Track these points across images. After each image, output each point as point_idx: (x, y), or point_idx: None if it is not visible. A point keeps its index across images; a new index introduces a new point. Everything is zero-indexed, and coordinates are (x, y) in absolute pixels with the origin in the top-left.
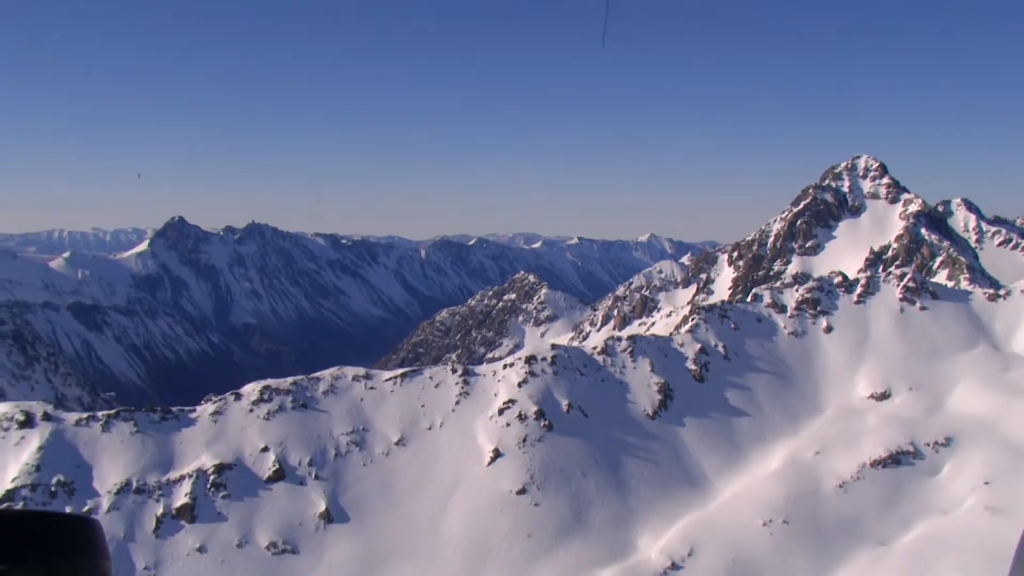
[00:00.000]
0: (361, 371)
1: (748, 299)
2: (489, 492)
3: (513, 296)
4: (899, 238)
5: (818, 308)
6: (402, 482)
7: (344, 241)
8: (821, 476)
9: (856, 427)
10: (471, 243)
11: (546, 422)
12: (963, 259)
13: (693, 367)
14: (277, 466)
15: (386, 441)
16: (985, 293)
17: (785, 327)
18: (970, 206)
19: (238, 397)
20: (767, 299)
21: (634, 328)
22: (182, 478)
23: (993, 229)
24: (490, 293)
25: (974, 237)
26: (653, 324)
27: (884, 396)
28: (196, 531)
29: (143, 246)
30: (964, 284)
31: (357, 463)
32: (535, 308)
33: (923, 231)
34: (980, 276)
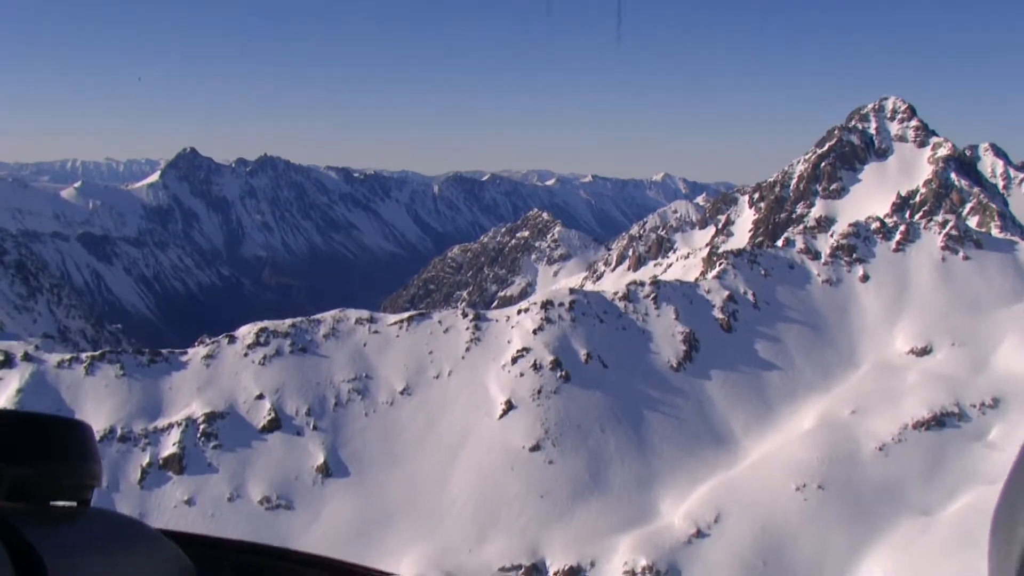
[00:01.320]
0: (365, 314)
1: (780, 243)
2: (500, 448)
3: (526, 234)
4: (927, 183)
5: (854, 256)
6: (406, 435)
7: (357, 175)
8: (859, 437)
9: (895, 385)
10: (484, 179)
11: (562, 373)
12: (994, 206)
13: (720, 316)
14: (272, 415)
15: (390, 390)
16: None
17: (819, 275)
18: (998, 151)
19: (232, 340)
20: (800, 244)
21: (649, 269)
22: (170, 426)
23: (1022, 175)
24: (503, 230)
25: (1001, 183)
26: (670, 266)
27: (925, 351)
28: (184, 483)
29: (154, 177)
30: (995, 232)
31: (358, 413)
32: (548, 246)
33: (953, 176)
34: (1011, 224)
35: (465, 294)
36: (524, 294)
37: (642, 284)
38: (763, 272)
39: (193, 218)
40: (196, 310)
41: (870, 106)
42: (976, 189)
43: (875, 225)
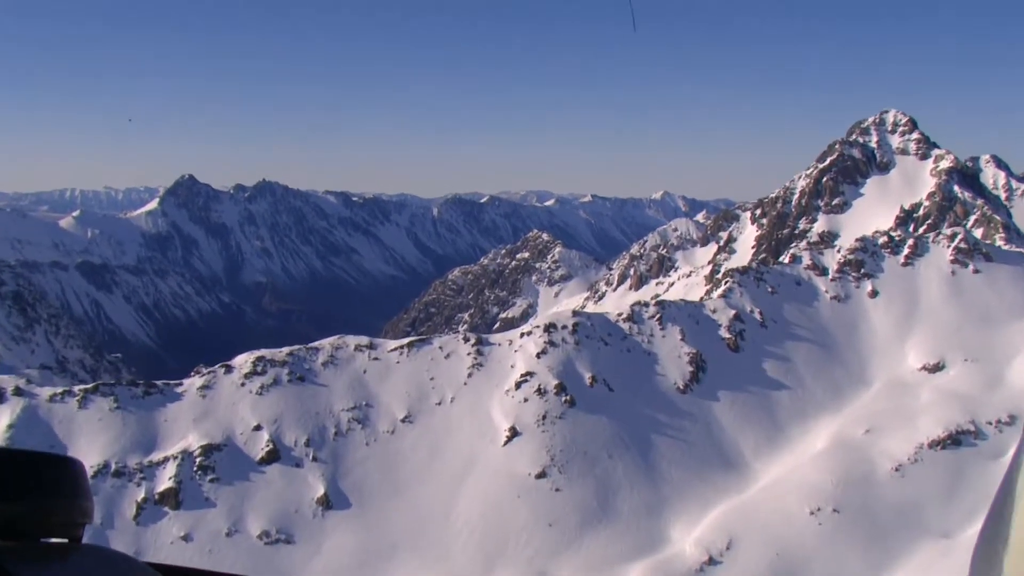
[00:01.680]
0: (364, 340)
1: (786, 260)
2: (505, 476)
3: (527, 255)
4: (931, 196)
5: (862, 271)
6: (408, 464)
7: (356, 199)
8: (874, 458)
9: (909, 403)
10: (483, 201)
11: (567, 397)
12: (998, 218)
13: (727, 335)
14: (271, 446)
15: (391, 418)
16: None
17: (827, 291)
18: (999, 163)
19: (229, 370)
20: (806, 260)
21: (651, 288)
22: (166, 460)
23: (1023, 187)
24: (503, 252)
25: (1004, 195)
26: (672, 284)
27: (937, 368)
28: (181, 518)
29: (153, 204)
30: (1000, 244)
31: (359, 443)
32: (549, 267)
33: (956, 188)
34: (1016, 236)
35: (467, 316)
36: (526, 315)
37: (647, 305)
38: (770, 289)
39: (192, 245)
40: (197, 338)
41: (871, 119)
42: (980, 201)
43: (883, 240)
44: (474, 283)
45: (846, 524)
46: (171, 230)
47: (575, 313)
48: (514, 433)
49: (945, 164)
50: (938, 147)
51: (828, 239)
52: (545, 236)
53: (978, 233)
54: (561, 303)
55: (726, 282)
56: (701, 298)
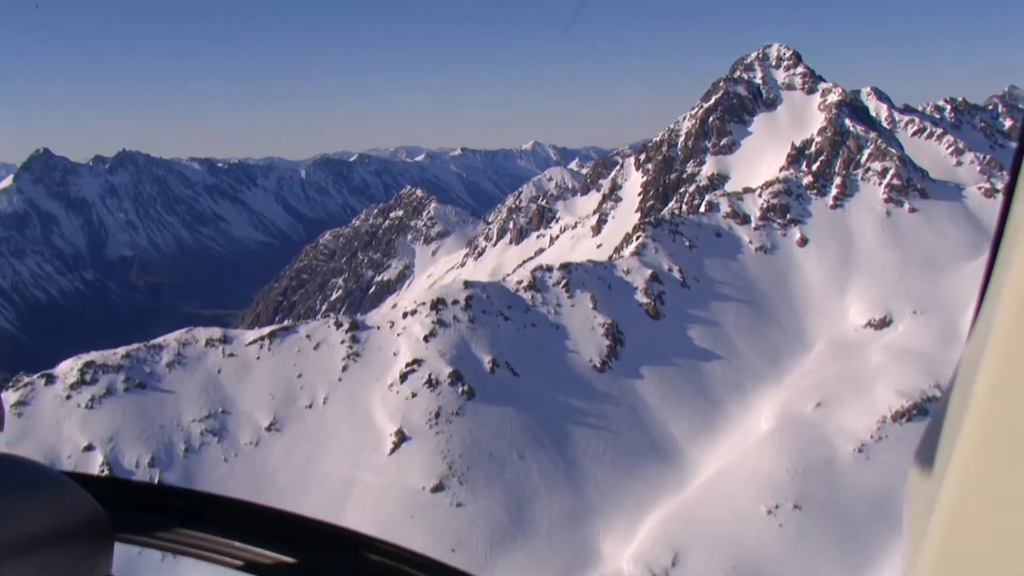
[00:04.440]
0: (216, 333)
1: (703, 208)
2: (395, 491)
3: (400, 213)
4: (822, 131)
5: (788, 216)
6: (279, 481)
7: (221, 165)
8: (831, 438)
9: (859, 366)
10: (352, 159)
11: (465, 387)
12: (893, 150)
13: (645, 300)
14: (106, 469)
15: (254, 427)
16: (980, 188)
17: (751, 241)
18: (880, 95)
19: (50, 380)
20: (725, 207)
21: (533, 242)
22: None
23: (906, 118)
24: (375, 211)
25: (887, 128)
26: (557, 238)
27: (885, 323)
28: None
29: (7, 182)
30: (875, 178)
31: (216, 459)
32: (424, 225)
33: (847, 122)
34: (912, 168)
35: (340, 282)
36: (403, 277)
37: (550, 269)
38: (687, 243)
39: (52, 222)
40: (61, 319)
41: (753, 55)
42: (873, 134)
43: (807, 179)
44: (346, 246)
45: (811, 522)
46: (28, 208)
47: (467, 284)
48: (402, 437)
49: (833, 97)
50: (824, 80)
51: (718, 181)
52: (419, 192)
53: (876, 168)
54: (439, 262)
55: (638, 237)
56: (611, 257)
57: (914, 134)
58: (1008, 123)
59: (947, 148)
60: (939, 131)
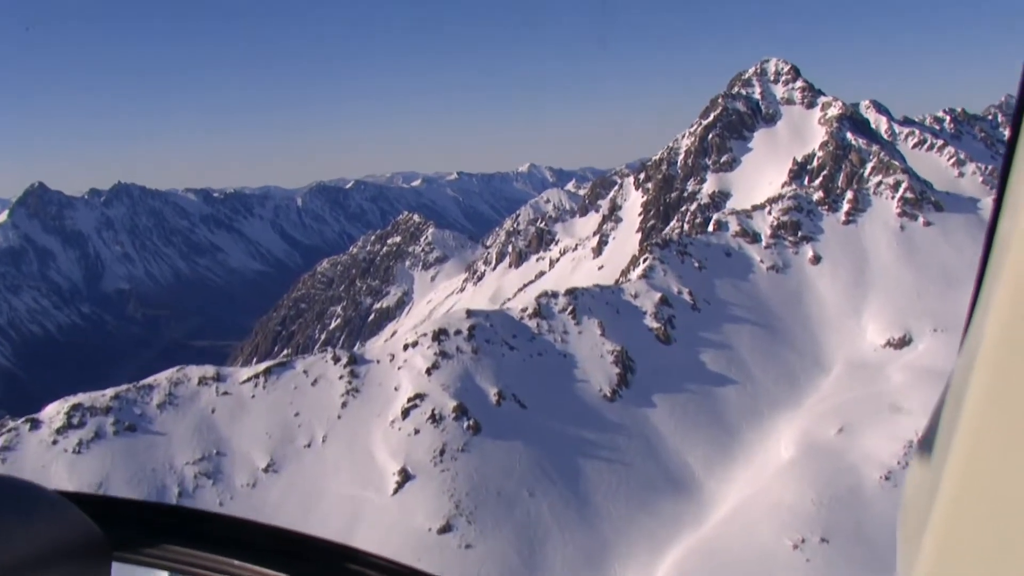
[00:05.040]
0: (209, 371)
1: (711, 227)
2: (400, 532)
3: (398, 239)
4: (824, 145)
5: (799, 233)
6: (277, 523)
7: (217, 195)
8: (856, 465)
9: (880, 389)
10: (348, 186)
11: (470, 422)
12: (897, 163)
13: (654, 324)
14: None
15: (250, 468)
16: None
17: (762, 260)
18: (880, 108)
19: (35, 425)
20: (734, 226)
21: (532, 265)
22: None
23: (906, 131)
24: (372, 238)
25: (888, 141)
26: (557, 261)
27: (904, 343)
28: None
29: (2, 217)
30: (888, 192)
31: (211, 502)
32: (423, 250)
33: (849, 135)
34: (916, 181)
35: (339, 310)
36: (401, 304)
37: (555, 295)
38: (696, 264)
39: (48, 256)
40: (58, 354)
41: (751, 70)
42: (875, 147)
43: (818, 195)
44: (344, 274)
45: (840, 556)
46: (23, 243)
47: (470, 313)
48: (406, 477)
49: (834, 111)
50: (823, 94)
51: (720, 199)
52: (416, 218)
53: (877, 180)
54: (438, 287)
55: (645, 259)
56: (618, 280)
57: (915, 146)
58: (1008, 133)
59: (948, 159)
60: (940, 142)
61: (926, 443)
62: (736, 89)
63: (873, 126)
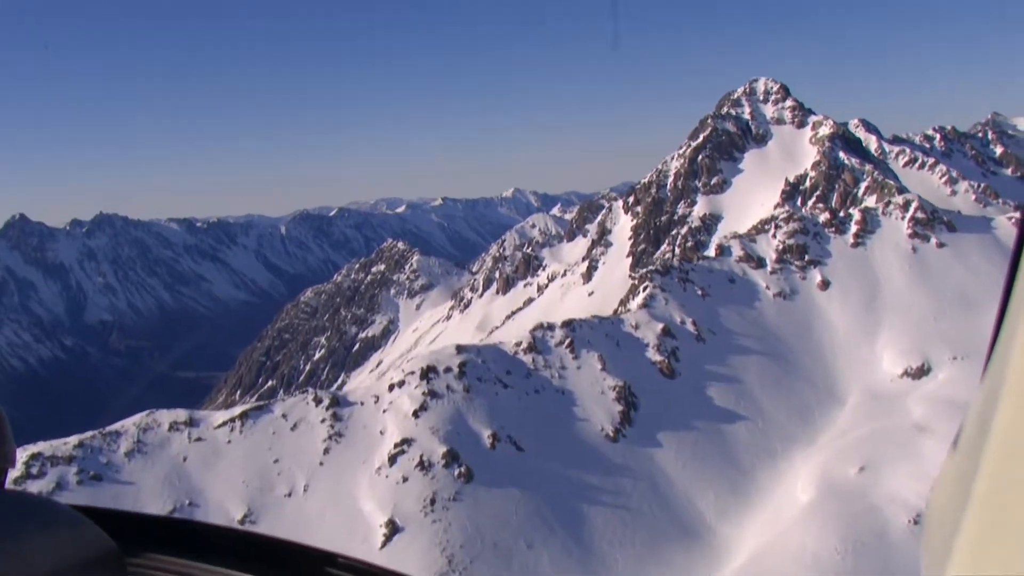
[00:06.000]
0: (181, 415)
1: (713, 252)
2: None
3: (382, 267)
4: (816, 165)
5: (806, 257)
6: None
7: (200, 224)
8: (881, 507)
9: (900, 422)
10: (332, 214)
11: (462, 468)
12: (891, 182)
13: (658, 357)
14: None
15: (226, 519)
16: (1010, 218)
17: (768, 286)
18: (869, 127)
19: None
20: (737, 250)
21: (520, 291)
22: None
23: (896, 149)
24: (357, 266)
25: (880, 160)
26: (545, 287)
27: (923, 371)
28: None
29: None
30: (897, 212)
31: None
32: (408, 278)
33: (841, 155)
34: (924, 200)
35: (323, 340)
36: (387, 333)
37: (551, 328)
38: (699, 292)
39: (29, 288)
40: (39, 388)
41: (740, 90)
42: (868, 167)
43: (824, 216)
44: (328, 303)
45: None
46: (4, 275)
47: (460, 348)
48: (394, 528)
49: (825, 130)
50: (814, 113)
51: (711, 221)
52: (400, 245)
53: (871, 200)
54: (424, 315)
55: (645, 287)
56: (617, 310)
57: (906, 164)
58: (999, 150)
59: (940, 178)
60: (931, 160)
61: (949, 470)
62: (725, 109)
63: (864, 145)
